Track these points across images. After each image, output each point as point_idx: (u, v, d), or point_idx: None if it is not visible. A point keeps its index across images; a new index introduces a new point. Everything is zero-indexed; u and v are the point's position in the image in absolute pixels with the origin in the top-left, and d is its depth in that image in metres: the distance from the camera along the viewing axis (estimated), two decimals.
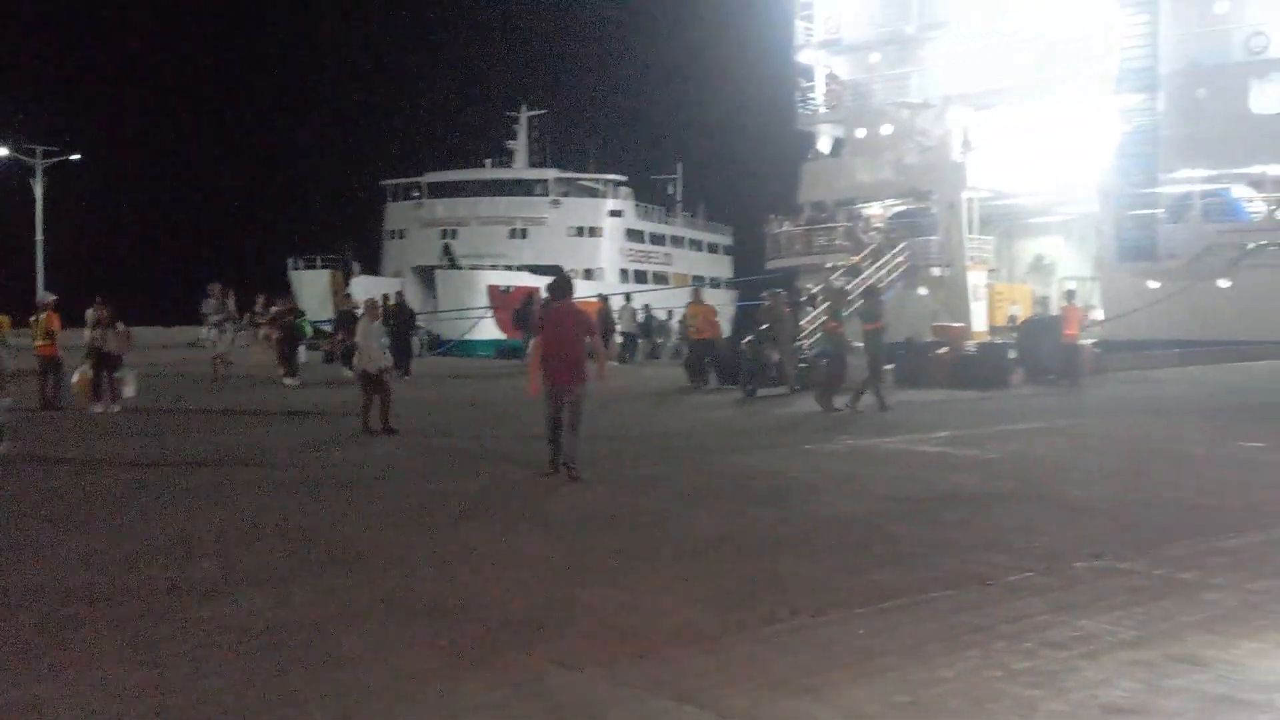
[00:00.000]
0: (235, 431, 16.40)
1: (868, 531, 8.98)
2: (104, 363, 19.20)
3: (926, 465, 12.72)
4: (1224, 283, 35.75)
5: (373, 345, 15.65)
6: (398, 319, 26.61)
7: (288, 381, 23.83)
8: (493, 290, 50.54)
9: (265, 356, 28.01)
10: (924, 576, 7.34)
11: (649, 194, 74.76)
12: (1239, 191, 38.41)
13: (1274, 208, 37.22)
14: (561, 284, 12.77)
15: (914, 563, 7.79)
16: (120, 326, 19.42)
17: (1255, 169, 37.73)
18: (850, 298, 25.00)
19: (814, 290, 33.84)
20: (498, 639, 6.08)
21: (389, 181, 68.03)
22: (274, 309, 28.07)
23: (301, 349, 26.89)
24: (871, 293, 21.26)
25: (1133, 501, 10.18)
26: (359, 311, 30.33)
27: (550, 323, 12.30)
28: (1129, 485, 11.12)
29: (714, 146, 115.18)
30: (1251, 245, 35.83)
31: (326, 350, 30.46)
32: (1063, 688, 5.22)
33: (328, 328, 33.87)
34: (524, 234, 64.22)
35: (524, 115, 70.41)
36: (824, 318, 19.64)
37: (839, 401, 18.69)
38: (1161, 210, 37.88)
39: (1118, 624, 6.19)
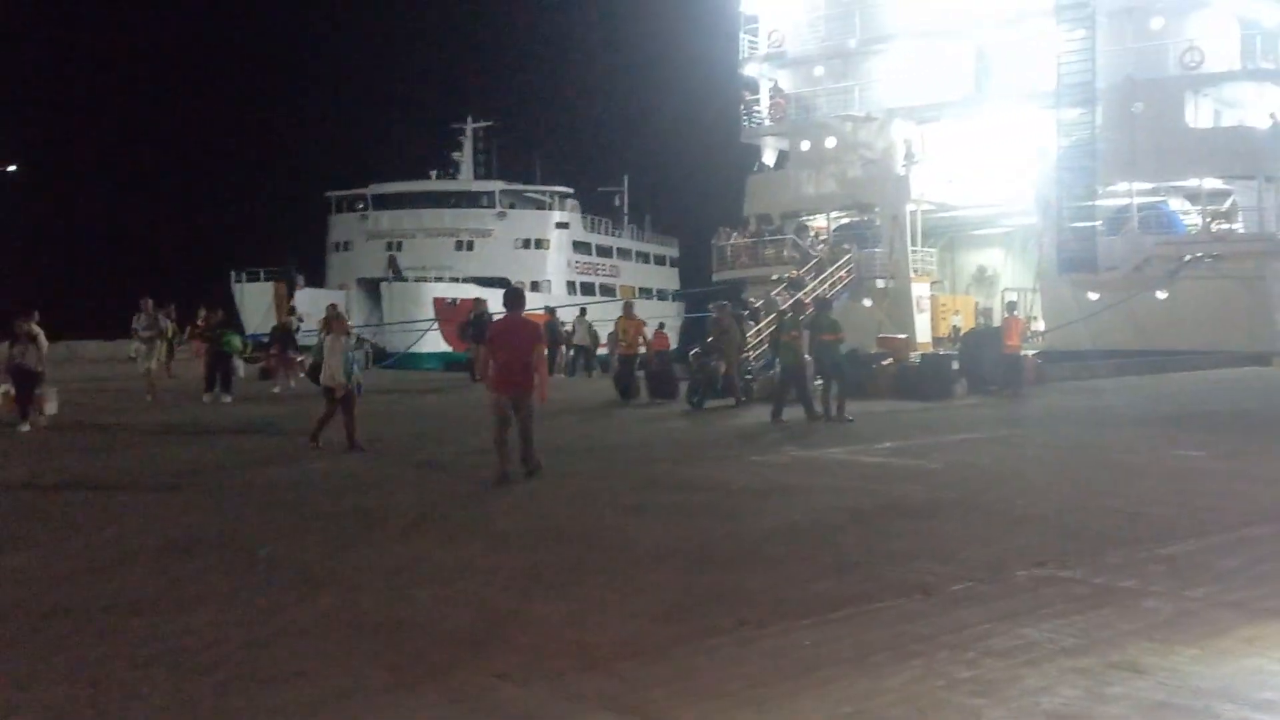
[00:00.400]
0: (171, 447, 16.15)
1: (813, 542, 9.01)
2: (23, 379, 18.51)
3: (871, 476, 12.79)
4: (1161, 294, 36.37)
5: (336, 361, 15.46)
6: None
7: (206, 399, 22.77)
8: (439, 303, 50.29)
9: (184, 371, 27.59)
10: (869, 587, 7.38)
11: (596, 206, 74.80)
12: (1175, 204, 39.15)
13: (1209, 220, 37.94)
14: (514, 295, 13.12)
15: (859, 573, 7.82)
16: (40, 340, 18.61)
17: (1191, 182, 38.48)
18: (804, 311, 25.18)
19: (757, 303, 34.04)
20: (442, 653, 6.03)
21: (334, 193, 67.51)
22: (200, 323, 27.32)
23: (238, 363, 26.29)
24: (826, 305, 21.42)
25: (1074, 510, 10.30)
26: (300, 325, 29.93)
27: (502, 333, 12.59)
28: (1070, 494, 11.25)
29: (661, 159, 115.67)
30: (1187, 257, 36.49)
31: (263, 366, 29.89)
32: (1005, 696, 5.26)
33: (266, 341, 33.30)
34: (470, 246, 63.97)
35: (470, 127, 70.19)
36: (786, 331, 19.72)
37: (820, 409, 18.86)
38: (1100, 223, 38.51)
39: (1059, 632, 6.25)
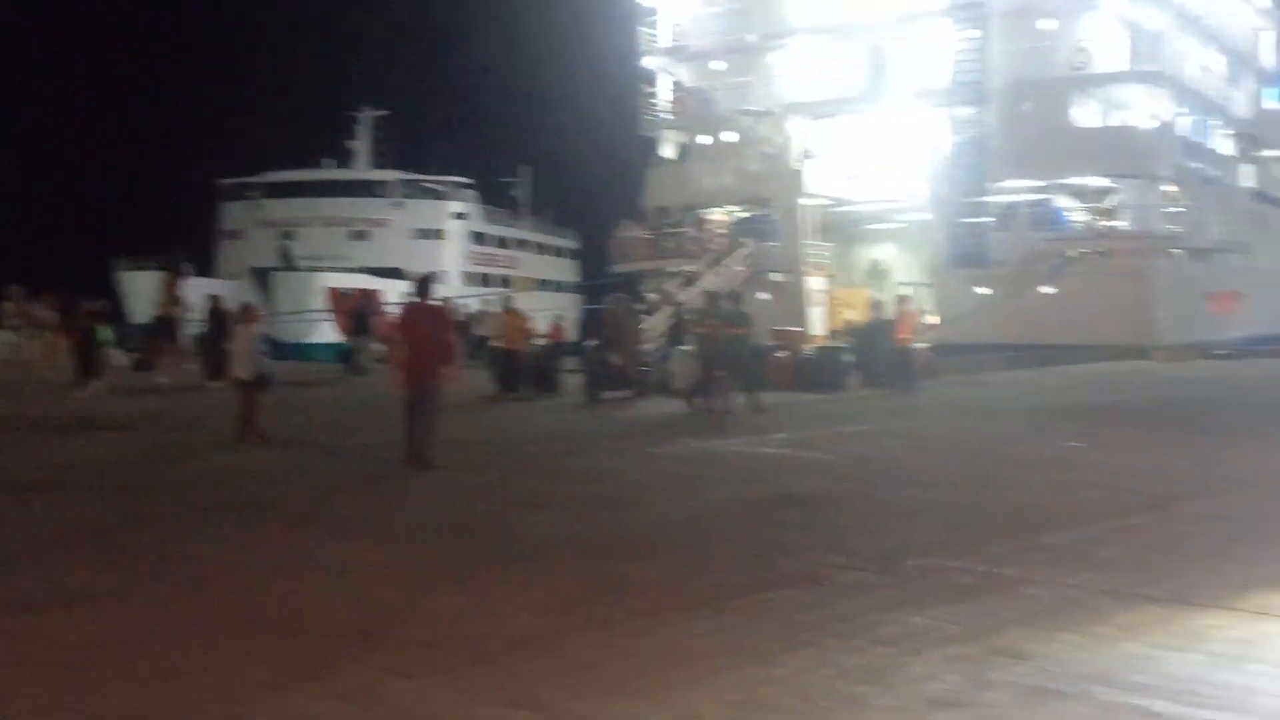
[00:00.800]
0: (53, 442, 15.67)
1: (707, 533, 9.07)
2: None
3: (766, 467, 12.92)
4: (1048, 289, 37.28)
5: (249, 351, 15.15)
6: (214, 322, 25.22)
7: (80, 392, 21.71)
8: (333, 293, 49.52)
9: (62, 361, 26.75)
10: (762, 577, 7.45)
11: (496, 197, 74.30)
12: (1062, 201, 40.15)
13: (1094, 217, 39.01)
14: (424, 282, 13.40)
15: (752, 563, 7.89)
16: None
17: (1077, 180, 39.52)
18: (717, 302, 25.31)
19: (655, 297, 34.16)
20: (331, 649, 5.95)
21: (225, 181, 66.09)
22: (70, 313, 26.21)
23: (112, 353, 25.27)
24: (735, 298, 21.57)
25: (961, 501, 10.52)
26: (185, 316, 28.93)
27: (410, 320, 12.84)
28: (958, 485, 11.48)
29: (563, 150, 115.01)
30: (1073, 253, 37.45)
31: (139, 358, 28.85)
32: (891, 683, 5.35)
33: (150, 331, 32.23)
34: (365, 236, 63.15)
35: (365, 115, 69.21)
36: (703, 321, 19.83)
37: (722, 404, 18.95)
38: (991, 219, 39.35)
39: (945, 620, 6.37)
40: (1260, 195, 49.98)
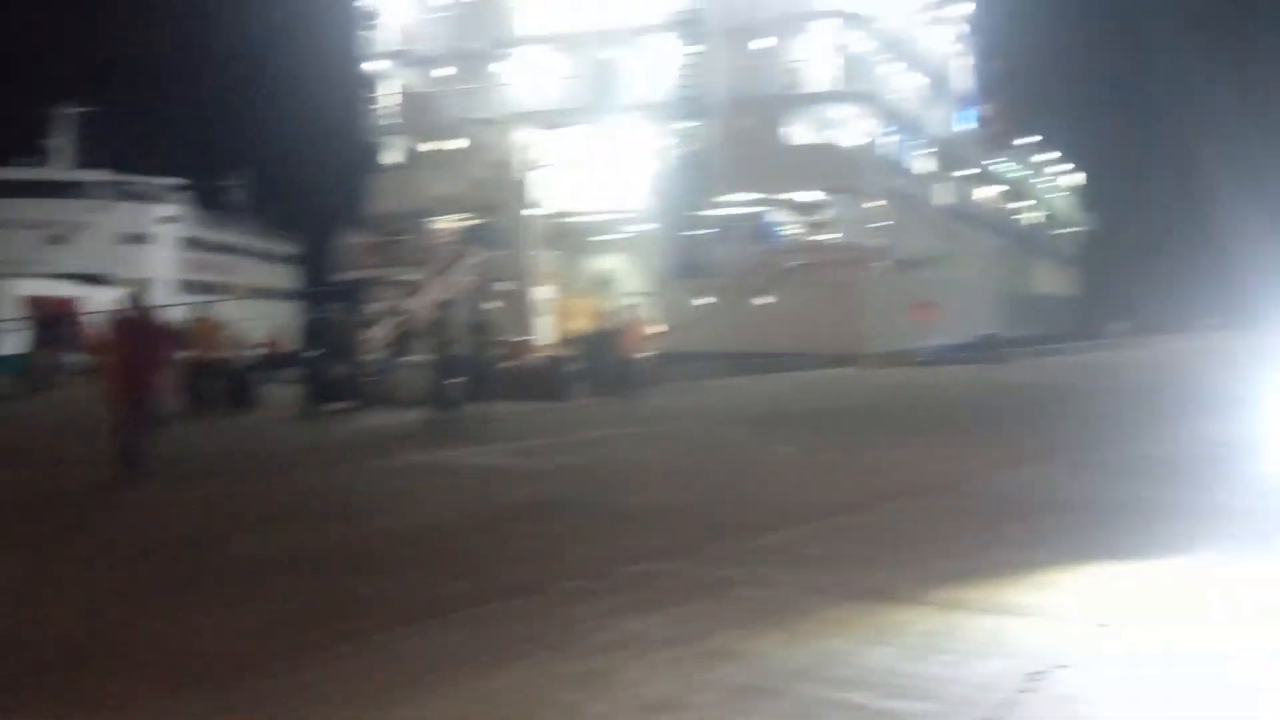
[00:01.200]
0: None
1: (429, 546, 8.95)
2: None
3: (489, 478, 12.87)
4: (766, 299, 38.80)
5: None
6: None
7: None
8: (28, 301, 46.25)
9: None
10: (485, 588, 7.39)
11: (214, 201, 71.25)
12: (777, 215, 41.89)
13: (807, 231, 40.90)
14: (135, 292, 13.52)
15: (473, 575, 7.83)
16: None
17: (792, 194, 41.34)
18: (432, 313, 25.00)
19: (379, 307, 33.54)
20: (29, 679, 5.52)
21: None
22: None
23: None
24: (452, 307, 21.40)
25: (680, 506, 10.76)
26: None
27: (121, 331, 12.41)
28: (678, 490, 11.75)
29: (287, 155, 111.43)
30: (788, 265, 39.13)
31: None
32: (606, 689, 5.39)
33: None
34: (65, 240, 59.31)
35: (65, 112, 65.03)
36: (438, 331, 19.56)
37: (440, 413, 18.70)
38: (712, 231, 40.65)
39: (659, 624, 6.48)
40: (956, 211, 53.59)
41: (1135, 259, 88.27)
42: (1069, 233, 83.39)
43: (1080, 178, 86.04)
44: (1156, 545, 8.38)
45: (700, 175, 40.40)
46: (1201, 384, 23.55)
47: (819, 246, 40.15)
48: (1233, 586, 7.27)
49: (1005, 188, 65.20)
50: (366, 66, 45.98)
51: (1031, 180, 72.91)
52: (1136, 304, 76.43)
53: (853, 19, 42.35)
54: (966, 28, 57.32)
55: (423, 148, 45.11)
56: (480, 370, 24.03)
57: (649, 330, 27.12)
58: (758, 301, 38.74)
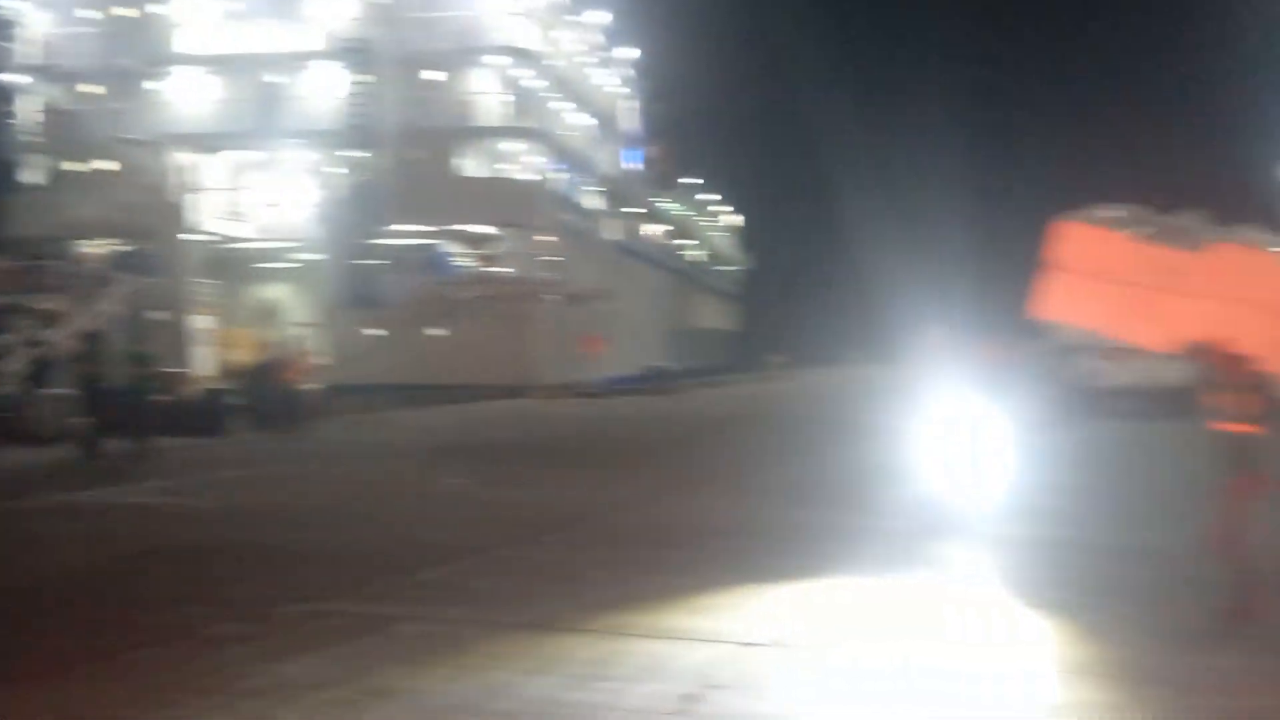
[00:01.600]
0: None
1: (65, 596, 8.30)
2: None
3: (139, 518, 12.11)
4: (440, 331, 38.54)
5: None
6: None
7: None
8: None
9: None
10: (126, 637, 6.91)
11: None
12: (450, 247, 41.79)
13: (479, 263, 40.98)
14: None
15: (116, 623, 7.32)
16: None
17: (464, 227, 41.34)
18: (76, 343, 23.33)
19: (13, 336, 31.06)
20: None
21: None
22: None
23: None
24: (97, 339, 20.03)
25: (342, 543, 10.46)
26: None
27: None
28: (340, 527, 11.43)
29: None
30: (460, 297, 39.05)
31: None
32: None
33: None
34: None
35: None
36: (90, 361, 18.13)
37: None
38: (384, 261, 40.03)
39: (317, 665, 6.26)
40: (624, 247, 55.11)
41: (790, 296, 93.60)
42: (730, 270, 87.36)
43: (740, 219, 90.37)
44: (810, 566, 8.84)
45: (371, 205, 39.73)
46: (847, 414, 25.14)
47: (491, 279, 40.28)
48: (879, 602, 7.77)
49: (670, 226, 67.62)
50: (4, 78, 42.64)
51: (695, 219, 75.98)
52: (792, 338, 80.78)
53: (523, 55, 42.92)
54: (633, 71, 59.22)
55: (68, 167, 42.17)
56: (132, 404, 22.64)
57: (315, 362, 26.36)
58: (430, 333, 38.41)
